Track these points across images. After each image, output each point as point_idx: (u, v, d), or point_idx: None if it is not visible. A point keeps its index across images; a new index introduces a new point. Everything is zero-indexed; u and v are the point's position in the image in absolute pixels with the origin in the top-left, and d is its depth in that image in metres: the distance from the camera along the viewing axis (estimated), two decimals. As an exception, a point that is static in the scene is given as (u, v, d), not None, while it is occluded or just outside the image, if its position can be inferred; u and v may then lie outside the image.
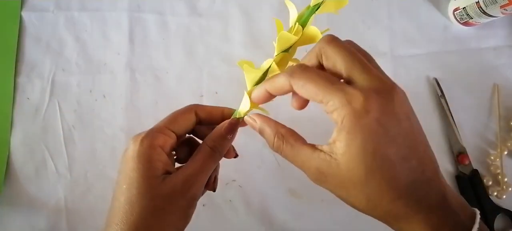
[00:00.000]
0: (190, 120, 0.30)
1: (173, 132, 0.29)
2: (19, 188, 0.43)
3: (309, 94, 0.24)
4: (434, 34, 0.47)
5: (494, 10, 0.41)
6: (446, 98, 0.44)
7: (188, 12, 0.47)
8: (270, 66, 0.31)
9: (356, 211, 0.45)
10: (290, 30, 0.31)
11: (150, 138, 0.27)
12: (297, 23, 0.31)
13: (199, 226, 0.43)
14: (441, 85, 0.45)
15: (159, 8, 0.47)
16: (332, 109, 0.23)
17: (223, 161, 0.44)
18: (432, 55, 0.46)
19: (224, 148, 0.30)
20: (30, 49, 0.46)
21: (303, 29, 0.30)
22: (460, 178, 0.43)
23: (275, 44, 0.30)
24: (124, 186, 0.26)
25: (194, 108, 0.30)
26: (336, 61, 0.24)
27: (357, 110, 0.22)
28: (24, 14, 0.47)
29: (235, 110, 0.32)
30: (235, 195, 0.43)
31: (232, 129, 0.30)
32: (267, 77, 0.31)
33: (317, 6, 0.30)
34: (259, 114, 0.29)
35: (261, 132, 0.28)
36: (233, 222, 0.43)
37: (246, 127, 0.43)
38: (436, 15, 0.47)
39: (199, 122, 0.31)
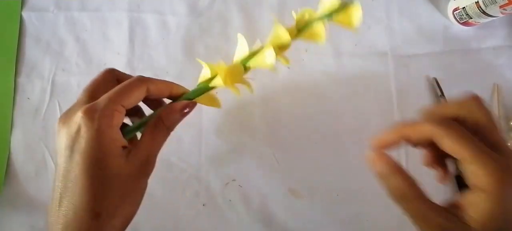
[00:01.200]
0: (141, 95, 0.29)
1: (124, 105, 0.28)
2: (19, 188, 0.43)
3: (453, 150, 0.25)
4: (434, 34, 0.47)
5: (494, 10, 0.41)
6: (446, 98, 0.44)
7: (188, 12, 0.47)
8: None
9: (356, 211, 0.45)
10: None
11: (107, 117, 0.26)
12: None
13: (199, 226, 0.43)
14: (441, 85, 0.45)
15: (159, 8, 0.47)
16: (476, 172, 0.24)
17: (223, 161, 0.44)
18: (432, 55, 0.46)
19: (176, 125, 0.31)
20: (30, 49, 0.46)
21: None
22: (460, 178, 0.43)
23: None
24: (85, 166, 0.25)
25: (146, 83, 0.30)
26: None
27: (505, 179, 0.23)
28: (24, 14, 0.47)
29: (184, 89, 0.33)
30: (235, 195, 0.43)
31: (188, 112, 0.31)
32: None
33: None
34: (388, 159, 0.28)
35: (382, 177, 0.28)
36: (233, 222, 0.43)
37: (246, 125, 0.43)
38: (435, 15, 0.47)
39: (147, 95, 0.31)
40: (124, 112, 0.28)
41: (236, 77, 0.33)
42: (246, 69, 0.33)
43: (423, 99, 0.45)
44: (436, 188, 0.44)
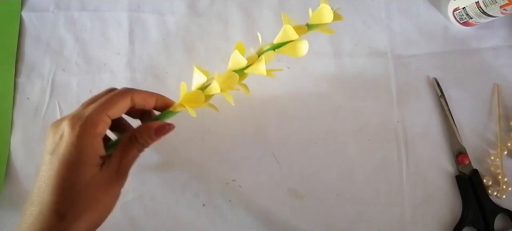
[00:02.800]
0: (126, 106, 0.31)
1: (109, 116, 0.29)
2: (19, 188, 0.43)
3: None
4: (434, 34, 0.47)
5: (494, 10, 0.41)
6: (446, 98, 0.44)
7: (188, 12, 0.47)
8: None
9: (356, 211, 0.45)
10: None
11: (91, 126, 0.28)
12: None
13: (199, 226, 0.43)
14: (441, 85, 0.45)
15: (159, 8, 0.47)
16: None
17: (223, 161, 0.44)
18: (432, 55, 0.46)
19: (150, 144, 0.33)
20: (30, 49, 0.46)
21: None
22: (460, 178, 0.43)
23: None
24: (59, 168, 0.26)
25: (130, 94, 0.31)
26: None
27: None
28: (24, 14, 0.47)
29: (170, 101, 0.35)
30: (235, 195, 0.43)
31: (161, 134, 0.33)
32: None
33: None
34: None
35: None
36: (233, 222, 0.43)
37: (246, 125, 0.43)
38: (436, 15, 0.47)
39: (132, 106, 0.32)
40: (109, 122, 0.29)
41: (231, 85, 0.35)
42: (241, 77, 0.35)
43: (423, 100, 0.45)
44: (436, 188, 0.44)
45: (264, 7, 0.47)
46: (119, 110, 0.30)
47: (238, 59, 0.34)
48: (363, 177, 0.44)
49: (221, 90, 0.34)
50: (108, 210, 0.30)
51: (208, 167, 0.44)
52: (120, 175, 0.30)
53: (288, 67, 0.46)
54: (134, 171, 0.44)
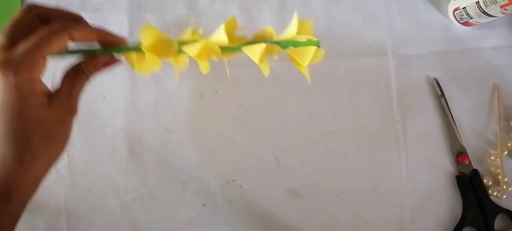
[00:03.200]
0: (64, 44, 0.28)
1: (44, 56, 0.27)
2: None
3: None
4: (434, 34, 0.47)
5: (494, 10, 0.41)
6: (446, 98, 0.44)
7: (188, 12, 0.47)
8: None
9: (356, 211, 0.45)
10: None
11: (25, 71, 0.26)
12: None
13: (199, 226, 0.43)
14: (441, 85, 0.45)
15: (159, 8, 0.47)
16: None
17: (223, 161, 0.44)
18: (432, 55, 0.46)
19: (95, 74, 0.31)
20: (30, 49, 0.46)
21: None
22: (460, 178, 0.43)
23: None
24: (5, 119, 0.26)
25: (68, 31, 0.28)
26: None
27: None
28: (24, 14, 0.47)
29: (116, 39, 0.33)
30: (235, 195, 0.43)
31: (108, 68, 0.32)
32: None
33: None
34: None
35: None
36: (233, 222, 0.43)
37: (246, 125, 0.43)
38: (436, 15, 0.47)
39: (73, 41, 0.29)
40: (46, 61, 0.27)
41: (208, 55, 0.33)
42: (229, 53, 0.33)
43: (423, 99, 0.45)
44: (436, 188, 0.44)
45: (264, 7, 0.47)
46: (56, 48, 0.27)
47: (219, 35, 0.32)
48: (363, 177, 0.44)
49: (197, 56, 0.32)
50: (64, 145, 0.30)
51: (208, 167, 0.44)
52: (70, 108, 0.29)
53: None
54: (134, 171, 0.44)
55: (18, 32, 0.27)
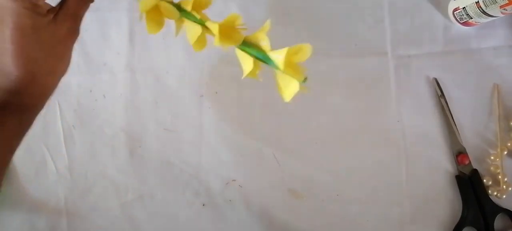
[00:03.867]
0: None
1: None
2: (19, 188, 0.43)
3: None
4: (434, 34, 0.47)
5: (494, 10, 0.41)
6: (446, 98, 0.44)
7: (188, 12, 0.47)
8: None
9: (356, 211, 0.45)
10: None
11: None
12: None
13: (199, 226, 0.43)
14: (441, 85, 0.45)
15: (159, 8, 0.47)
16: None
17: (223, 161, 0.44)
18: (432, 55, 0.46)
19: None
20: (30, 49, 0.46)
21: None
22: (460, 178, 0.43)
23: None
24: (15, 36, 0.26)
25: None
26: None
27: None
28: (24, 14, 0.47)
29: None
30: (235, 195, 0.43)
31: None
32: None
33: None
34: None
35: None
36: (233, 222, 0.43)
37: (246, 125, 0.43)
38: (436, 15, 0.47)
39: None
40: None
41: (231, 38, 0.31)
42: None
43: (423, 100, 0.45)
44: (436, 188, 0.44)
45: (264, 7, 0.47)
46: None
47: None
48: (363, 177, 0.44)
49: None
50: (69, 61, 0.30)
51: (208, 167, 0.44)
52: (74, 30, 0.30)
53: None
54: (134, 171, 0.44)
55: None
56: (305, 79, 0.28)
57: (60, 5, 0.28)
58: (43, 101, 0.30)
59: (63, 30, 0.28)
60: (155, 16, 0.31)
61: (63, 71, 0.30)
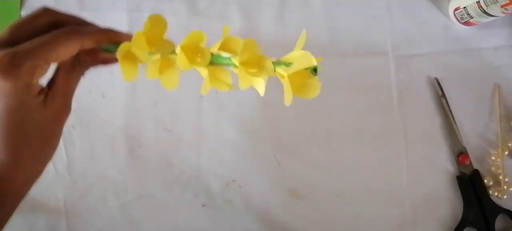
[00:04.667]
0: (72, 52, 0.25)
1: (48, 62, 0.24)
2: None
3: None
4: (435, 34, 0.47)
5: (495, 10, 0.40)
6: (447, 98, 0.44)
7: (188, 12, 0.47)
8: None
9: (356, 211, 0.45)
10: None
11: (28, 76, 0.23)
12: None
13: (199, 226, 0.43)
14: (442, 85, 0.45)
15: (159, 8, 0.47)
16: None
17: (223, 161, 0.44)
18: (433, 55, 0.46)
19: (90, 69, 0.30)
20: (30, 49, 0.46)
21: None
22: (460, 178, 0.43)
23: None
24: (5, 118, 0.24)
25: (79, 38, 0.25)
26: None
27: None
28: (23, 14, 0.47)
29: (126, 37, 0.28)
30: (235, 195, 0.43)
31: (107, 65, 0.30)
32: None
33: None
34: None
35: None
36: (233, 222, 0.43)
37: (246, 125, 0.43)
38: (436, 14, 0.47)
39: (82, 49, 0.27)
40: (48, 67, 0.25)
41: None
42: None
43: (424, 99, 0.45)
44: (436, 188, 0.44)
45: (264, 7, 0.47)
46: (61, 57, 0.25)
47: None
48: (363, 177, 0.44)
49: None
50: (57, 143, 0.28)
51: (208, 167, 0.43)
52: (65, 107, 0.28)
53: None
54: (134, 171, 0.44)
55: (24, 31, 0.25)
56: (315, 69, 0.27)
57: (49, 83, 0.27)
58: (27, 188, 0.27)
59: (53, 109, 0.26)
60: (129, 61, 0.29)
61: (49, 156, 0.28)
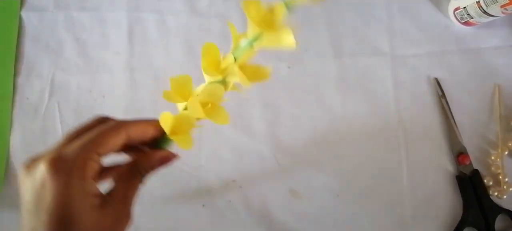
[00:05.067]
0: (120, 143, 0.26)
1: (99, 154, 0.25)
2: (19, 188, 0.43)
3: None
4: (435, 34, 0.47)
5: (495, 10, 0.40)
6: (447, 98, 0.44)
7: (188, 12, 0.47)
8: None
9: (356, 211, 0.45)
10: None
11: (77, 171, 0.23)
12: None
13: (199, 226, 0.43)
14: (442, 85, 0.45)
15: (159, 8, 0.47)
16: None
17: (223, 161, 0.44)
18: (433, 55, 0.46)
19: (152, 173, 0.29)
20: (30, 49, 0.46)
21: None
22: (460, 178, 0.43)
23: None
24: (52, 226, 0.22)
25: (125, 129, 0.27)
26: None
27: None
28: (24, 14, 0.47)
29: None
30: (235, 195, 0.43)
31: (166, 164, 0.29)
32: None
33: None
34: None
35: None
36: (233, 222, 0.43)
37: (246, 125, 0.43)
38: (436, 15, 0.47)
39: (128, 141, 0.27)
40: (100, 161, 0.25)
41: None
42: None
43: (424, 100, 0.45)
44: (436, 188, 0.44)
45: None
46: (112, 147, 0.25)
47: (211, 89, 0.29)
48: (363, 177, 0.44)
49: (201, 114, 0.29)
50: None
51: (208, 167, 0.43)
52: (124, 215, 0.26)
53: (289, 67, 0.46)
54: (133, 171, 0.44)
55: (76, 134, 0.26)
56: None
57: (108, 192, 0.26)
58: None
59: (111, 217, 0.25)
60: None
61: None
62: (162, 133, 0.29)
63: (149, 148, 0.29)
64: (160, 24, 0.47)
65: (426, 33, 0.46)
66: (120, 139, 0.26)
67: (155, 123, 0.29)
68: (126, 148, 0.28)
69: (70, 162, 0.23)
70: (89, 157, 0.24)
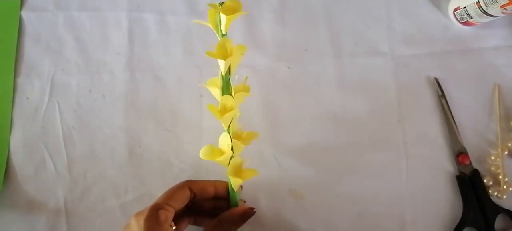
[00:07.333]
0: (185, 196, 0.34)
1: (170, 205, 0.33)
2: (19, 188, 0.43)
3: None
4: (434, 34, 0.47)
5: (495, 10, 0.40)
6: (447, 98, 0.44)
7: (188, 12, 0.47)
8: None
9: (356, 212, 0.45)
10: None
11: (155, 215, 0.31)
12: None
13: (199, 227, 0.42)
14: (442, 85, 0.45)
15: (159, 8, 0.47)
16: None
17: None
18: (432, 55, 0.46)
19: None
20: (30, 49, 0.46)
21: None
22: (460, 178, 0.43)
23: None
24: None
25: (187, 185, 0.35)
26: None
27: None
28: (24, 14, 0.47)
29: (227, 183, 0.37)
30: (235, 195, 0.43)
31: (246, 219, 0.35)
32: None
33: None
34: None
35: None
36: (233, 222, 0.43)
37: (246, 125, 0.43)
38: (436, 15, 0.47)
39: (194, 196, 0.36)
40: (173, 211, 0.33)
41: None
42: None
43: (424, 100, 0.45)
44: (436, 188, 0.44)
45: (264, 7, 0.47)
46: (180, 200, 0.34)
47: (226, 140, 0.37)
48: (363, 177, 0.44)
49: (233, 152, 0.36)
50: None
51: (208, 167, 0.43)
52: None
53: (288, 67, 0.46)
54: (134, 171, 0.44)
55: (168, 198, 0.34)
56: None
57: None
58: None
59: None
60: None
61: None
62: (225, 191, 0.37)
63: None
64: (160, 24, 0.47)
65: (426, 33, 0.47)
66: (185, 192, 0.34)
67: (215, 183, 0.37)
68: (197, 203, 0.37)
69: (146, 213, 0.31)
70: (162, 207, 0.32)
